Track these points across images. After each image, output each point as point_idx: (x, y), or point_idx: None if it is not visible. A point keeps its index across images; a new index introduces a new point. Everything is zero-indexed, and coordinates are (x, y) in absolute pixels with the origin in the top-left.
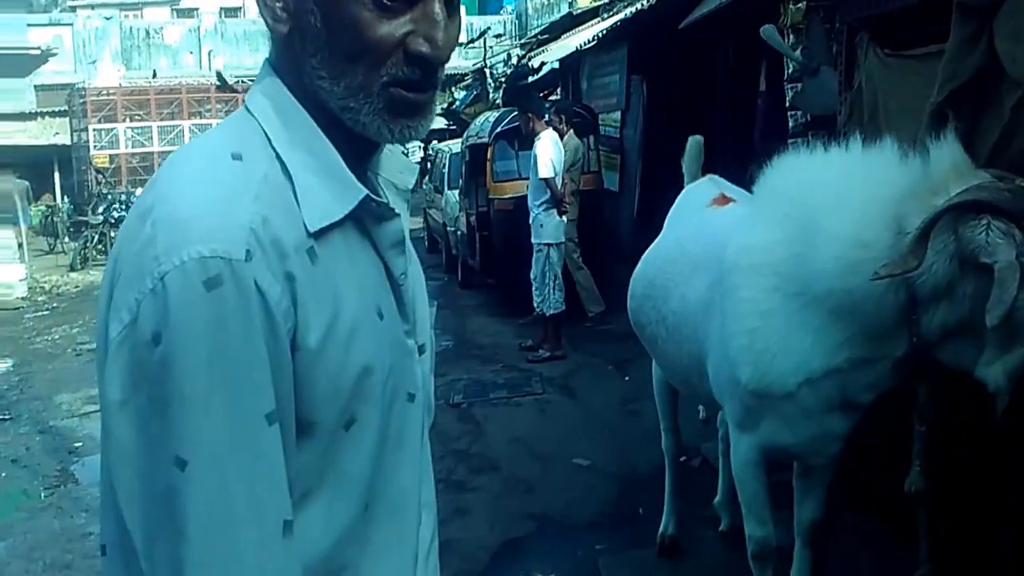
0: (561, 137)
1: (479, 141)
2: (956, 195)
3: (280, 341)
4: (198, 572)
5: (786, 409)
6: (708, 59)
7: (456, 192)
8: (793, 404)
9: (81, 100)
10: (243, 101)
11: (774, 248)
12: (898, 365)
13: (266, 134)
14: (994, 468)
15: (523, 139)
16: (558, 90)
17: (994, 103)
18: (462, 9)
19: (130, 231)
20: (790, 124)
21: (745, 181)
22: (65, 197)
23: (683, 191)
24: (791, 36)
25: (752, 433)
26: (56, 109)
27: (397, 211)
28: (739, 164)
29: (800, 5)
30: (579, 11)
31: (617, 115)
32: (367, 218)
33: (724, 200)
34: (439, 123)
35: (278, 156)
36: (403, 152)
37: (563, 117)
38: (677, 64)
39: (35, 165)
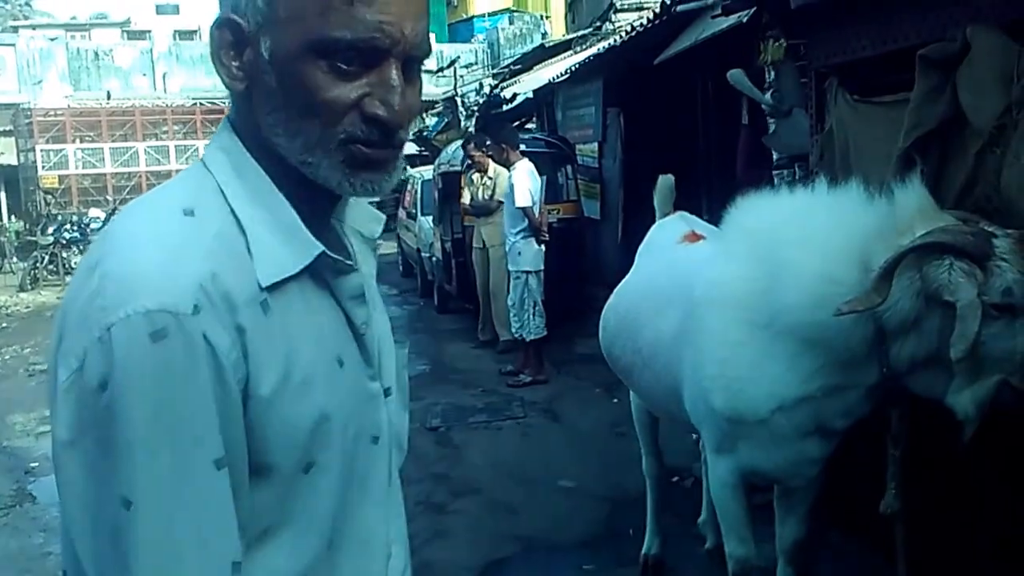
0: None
1: (451, 169)
2: (921, 236)
3: (229, 390)
4: None
5: (761, 434)
6: (687, 92)
7: (429, 218)
8: (767, 430)
9: (27, 120)
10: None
11: (741, 282)
12: (870, 393)
13: (222, 190)
14: (965, 489)
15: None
16: (533, 120)
17: (959, 150)
18: (432, 36)
19: (80, 281)
20: (774, 157)
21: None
22: (12, 217)
23: (653, 227)
24: (771, 73)
25: (729, 456)
26: (1, 129)
27: (359, 262)
28: (722, 196)
29: (781, 43)
30: (551, 43)
31: (594, 146)
32: (326, 272)
33: (695, 237)
34: (411, 148)
35: (233, 212)
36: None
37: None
38: (654, 97)
39: None
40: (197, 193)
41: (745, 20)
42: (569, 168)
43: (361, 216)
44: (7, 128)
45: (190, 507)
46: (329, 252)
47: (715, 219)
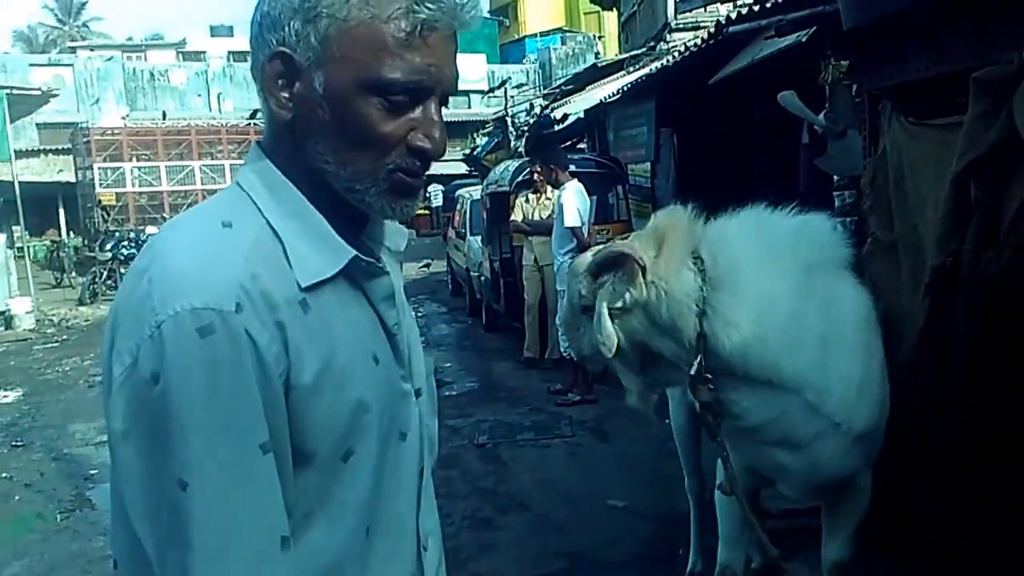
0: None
1: (500, 189)
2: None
3: (271, 381)
4: None
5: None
6: (742, 112)
7: (478, 238)
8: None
9: (85, 139)
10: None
11: None
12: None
13: (257, 206)
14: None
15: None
16: (584, 140)
17: (1014, 174)
18: (483, 57)
19: (129, 286)
20: (835, 178)
21: None
22: (71, 233)
23: None
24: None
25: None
26: (59, 147)
27: (387, 269)
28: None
29: (844, 62)
30: (604, 63)
31: (647, 166)
32: (359, 275)
33: None
34: (460, 168)
35: (269, 224)
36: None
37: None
38: (709, 117)
39: (39, 201)
40: (234, 209)
41: (803, 40)
42: (620, 188)
43: (388, 231)
44: (66, 146)
45: (240, 486)
46: (361, 256)
47: None
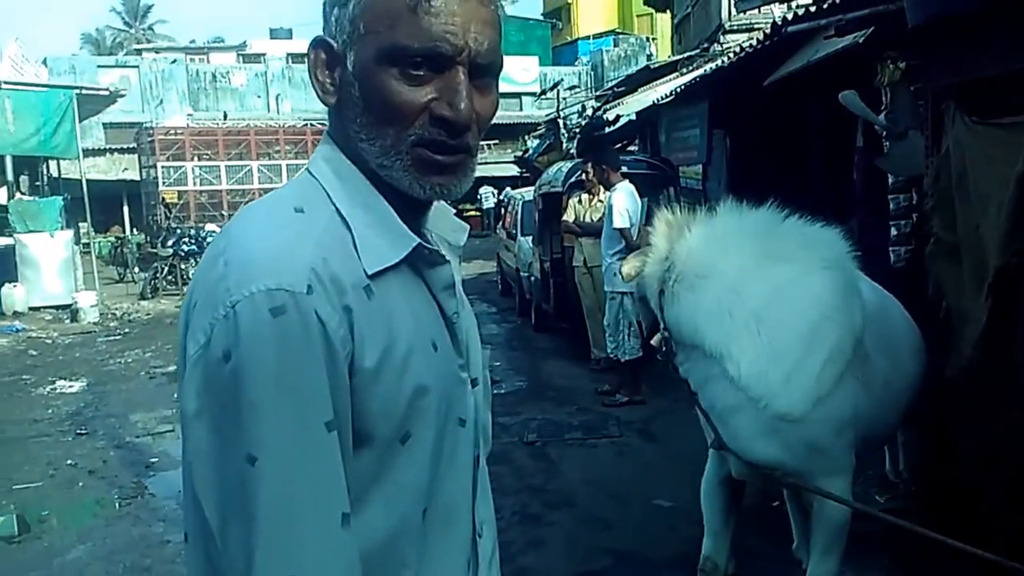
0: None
1: (552, 190)
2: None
3: (338, 362)
4: (266, 553)
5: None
6: (797, 114)
7: (529, 239)
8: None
9: (149, 139)
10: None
11: None
12: None
13: (327, 192)
14: None
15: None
16: (636, 142)
17: None
18: (535, 60)
19: (205, 269)
20: (890, 180)
21: (845, 234)
22: (134, 229)
23: None
24: (888, 95)
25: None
26: (124, 146)
27: (448, 258)
28: (837, 219)
29: (899, 64)
30: (657, 65)
31: (699, 168)
32: (420, 263)
33: None
34: (512, 170)
35: (338, 211)
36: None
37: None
38: (763, 119)
39: (105, 198)
40: (306, 196)
41: (861, 41)
42: (671, 190)
43: (447, 225)
44: (131, 146)
45: (306, 462)
46: (424, 244)
47: None
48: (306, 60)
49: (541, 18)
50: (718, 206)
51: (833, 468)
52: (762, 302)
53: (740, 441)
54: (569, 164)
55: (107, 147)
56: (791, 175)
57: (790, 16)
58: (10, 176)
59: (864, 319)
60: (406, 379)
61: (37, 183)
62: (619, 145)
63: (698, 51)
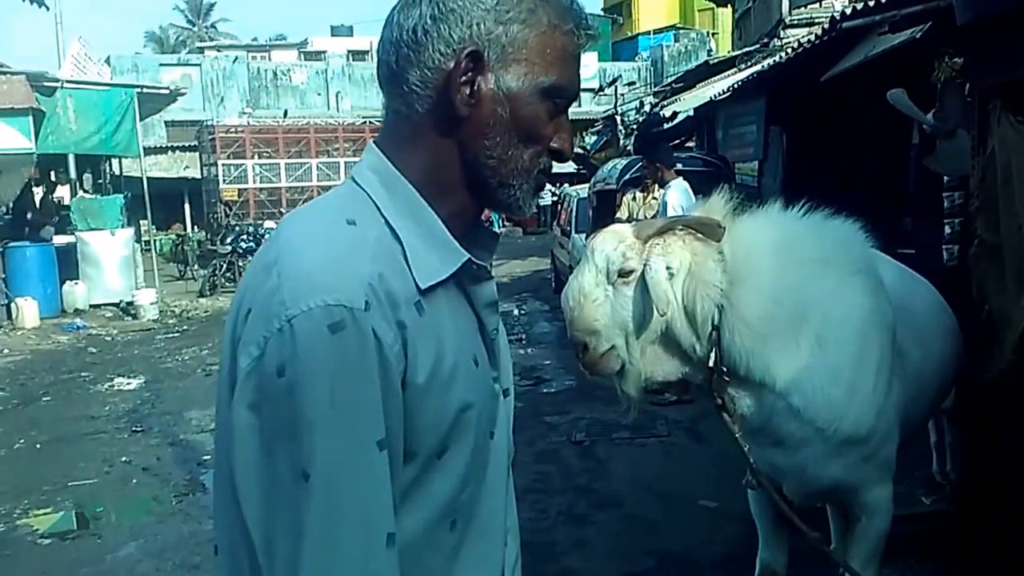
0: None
1: (607, 187)
2: None
3: (392, 380)
4: (312, 571)
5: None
6: (854, 110)
7: (583, 236)
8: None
9: (210, 136)
10: (369, 142)
11: None
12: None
13: (375, 204)
14: None
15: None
16: (693, 138)
17: None
18: (595, 55)
19: (256, 280)
20: (945, 178)
21: (899, 232)
22: (195, 227)
23: None
24: (939, 93)
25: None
26: (185, 144)
27: (492, 275)
28: (889, 218)
29: (957, 60)
30: (716, 60)
31: (754, 164)
32: (465, 279)
33: None
34: (570, 167)
35: (388, 223)
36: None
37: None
38: (820, 116)
39: (166, 196)
40: (356, 206)
41: (919, 36)
42: (727, 187)
43: (481, 235)
44: (192, 143)
45: (357, 481)
46: (474, 260)
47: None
48: (430, 66)
49: (601, 13)
50: (755, 208)
51: (883, 475)
52: (821, 322)
53: (807, 470)
54: (624, 161)
55: (169, 145)
56: (847, 172)
57: (849, 11)
58: (73, 174)
59: (892, 311)
60: (452, 395)
61: (100, 181)
62: (677, 142)
63: (758, 46)
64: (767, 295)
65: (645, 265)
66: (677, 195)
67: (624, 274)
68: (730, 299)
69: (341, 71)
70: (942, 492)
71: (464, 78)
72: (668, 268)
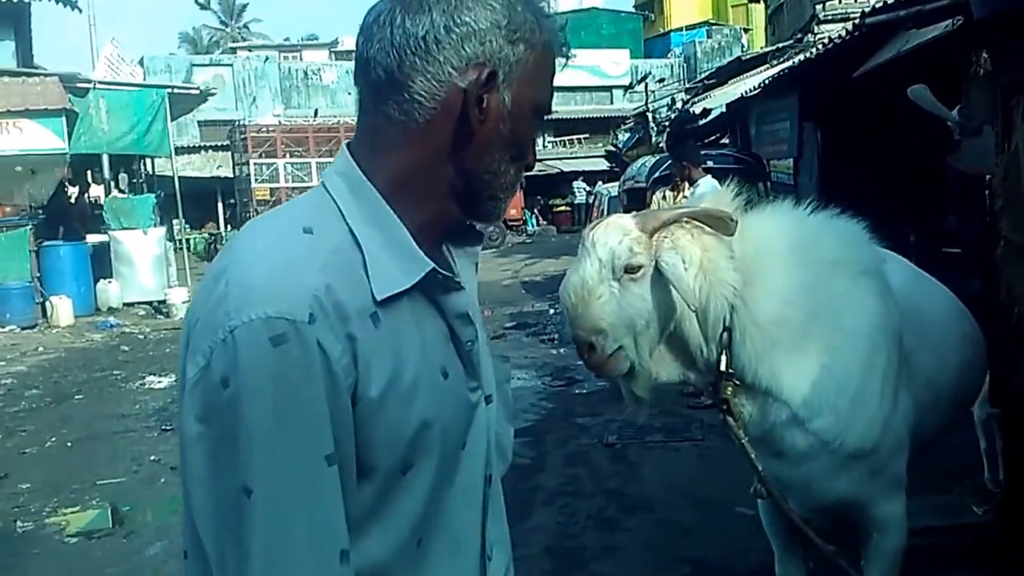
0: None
1: (636, 185)
2: None
3: (340, 393)
4: None
5: None
6: (890, 106)
7: None
8: None
9: (242, 136)
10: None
11: None
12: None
13: (340, 211)
14: None
15: None
16: (726, 136)
17: None
18: (626, 53)
19: (207, 288)
20: (987, 177)
21: (943, 231)
22: (228, 226)
23: None
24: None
25: None
26: (218, 143)
27: (463, 280)
28: (928, 215)
29: (983, 56)
30: (748, 57)
31: (789, 162)
32: (434, 288)
33: None
34: (603, 165)
35: (351, 230)
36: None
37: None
38: (855, 112)
39: (199, 195)
40: (316, 213)
41: (952, 30)
42: (761, 185)
43: (464, 237)
44: (224, 143)
45: (304, 496)
46: (439, 269)
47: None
48: (442, 80)
49: (633, 11)
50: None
51: (892, 490)
52: (830, 328)
53: (812, 485)
54: (653, 159)
55: (202, 144)
56: (885, 170)
57: (879, 5)
58: (107, 174)
59: (899, 316)
60: (412, 410)
61: (135, 181)
62: (711, 139)
63: (791, 42)
64: (781, 297)
65: (658, 260)
66: (706, 192)
67: (632, 269)
68: (744, 299)
69: None
70: (994, 501)
71: (477, 95)
72: (682, 262)
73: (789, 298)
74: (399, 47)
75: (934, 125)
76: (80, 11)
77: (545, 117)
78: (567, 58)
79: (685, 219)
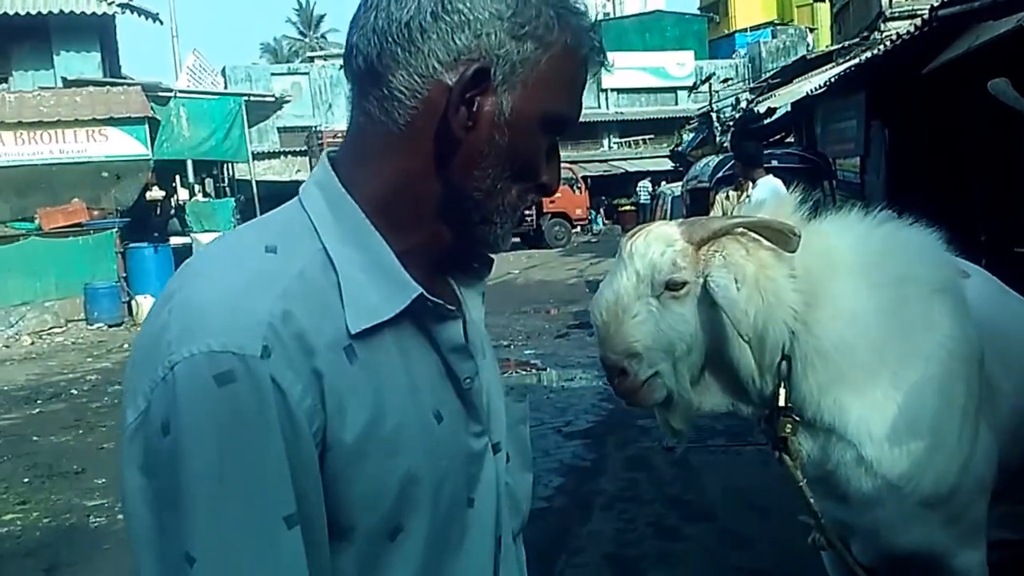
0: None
1: (699, 185)
2: None
3: (302, 440)
4: None
5: None
6: (961, 104)
7: None
8: None
9: (319, 141)
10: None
11: None
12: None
13: (315, 228)
14: None
15: None
16: (791, 135)
17: None
18: (691, 54)
19: (153, 315)
20: None
21: (1016, 228)
22: None
23: None
24: None
25: None
26: (296, 149)
27: (468, 308)
28: (1006, 211)
29: None
30: (813, 56)
31: (856, 160)
32: (426, 318)
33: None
34: (667, 164)
35: (326, 251)
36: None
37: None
38: (924, 109)
39: (279, 199)
40: (286, 230)
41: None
42: (826, 184)
43: (470, 263)
44: (302, 148)
45: (256, 567)
46: (428, 295)
47: (993, 240)
48: (426, 77)
49: (697, 12)
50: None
51: (971, 538)
52: (901, 356)
53: (880, 533)
54: (716, 159)
55: (281, 150)
56: (956, 168)
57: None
58: (191, 179)
59: (979, 338)
60: (397, 461)
61: (219, 185)
62: (776, 138)
63: (857, 40)
64: (849, 322)
65: (706, 278)
66: (763, 192)
67: (674, 286)
68: (806, 324)
69: None
70: None
71: (466, 96)
72: (735, 281)
73: (857, 323)
74: (381, 33)
75: (1008, 124)
76: (161, 23)
77: (562, 133)
78: (602, 66)
79: (740, 229)
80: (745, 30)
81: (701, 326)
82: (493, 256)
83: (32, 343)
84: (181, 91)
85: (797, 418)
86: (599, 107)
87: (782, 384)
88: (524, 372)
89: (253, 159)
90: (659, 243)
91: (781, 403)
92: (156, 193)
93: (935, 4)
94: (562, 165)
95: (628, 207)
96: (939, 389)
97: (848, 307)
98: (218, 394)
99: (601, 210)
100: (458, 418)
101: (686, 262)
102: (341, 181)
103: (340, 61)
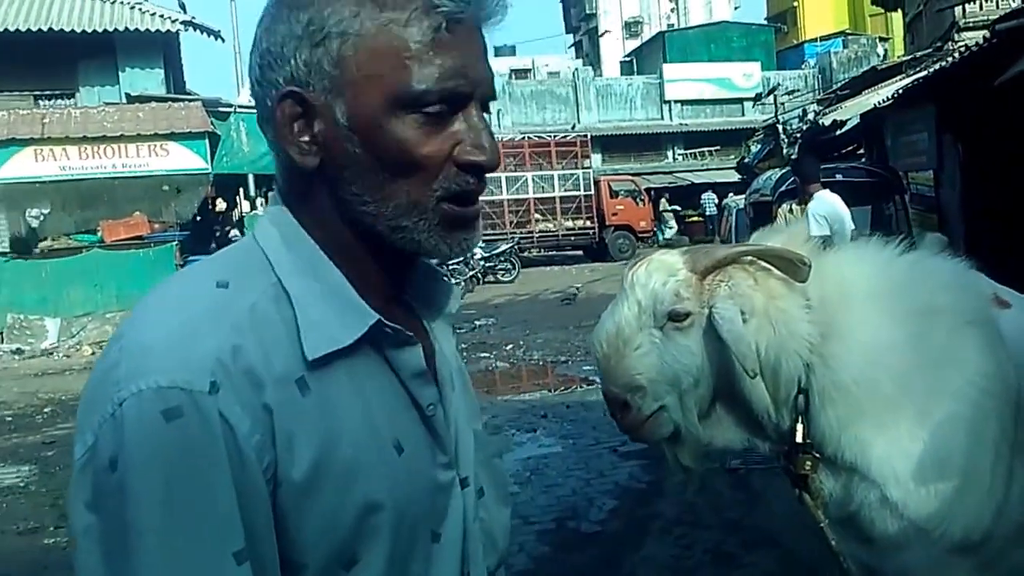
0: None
1: (762, 198)
2: None
3: (251, 475)
4: None
5: None
6: None
7: None
8: None
9: None
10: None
11: None
12: None
13: (270, 262)
14: None
15: None
16: (861, 147)
17: None
18: (757, 65)
19: (104, 353)
20: None
21: None
22: None
23: None
24: None
25: None
26: None
27: (437, 339)
28: None
29: None
30: (884, 67)
31: (929, 174)
32: (384, 345)
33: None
34: (732, 177)
35: (281, 284)
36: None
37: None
38: (1000, 122)
39: None
40: (239, 265)
41: None
42: (897, 199)
43: (435, 291)
44: None
45: None
46: (386, 321)
47: None
48: (270, 119)
49: (764, 23)
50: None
51: None
52: (929, 391)
53: None
54: (779, 172)
55: None
56: None
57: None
58: (252, 192)
59: (1016, 373)
60: (352, 493)
61: None
62: (846, 151)
63: (930, 50)
64: (868, 354)
65: (711, 309)
66: (818, 205)
67: (677, 317)
68: (823, 357)
69: (503, 89)
70: None
71: (290, 128)
72: (741, 313)
73: (878, 355)
74: (250, 68)
75: None
76: (223, 40)
77: (451, 98)
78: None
79: (748, 258)
80: (815, 40)
81: (708, 358)
82: (454, 283)
83: (93, 353)
84: (241, 106)
85: (817, 455)
86: (662, 118)
87: (799, 419)
88: (584, 388)
89: None
90: (661, 273)
91: (799, 439)
92: (219, 205)
93: (1003, 14)
94: (624, 177)
95: (696, 218)
96: (969, 427)
97: (867, 339)
98: (166, 429)
99: (673, 215)
100: (422, 448)
101: (689, 292)
102: (294, 215)
103: None
